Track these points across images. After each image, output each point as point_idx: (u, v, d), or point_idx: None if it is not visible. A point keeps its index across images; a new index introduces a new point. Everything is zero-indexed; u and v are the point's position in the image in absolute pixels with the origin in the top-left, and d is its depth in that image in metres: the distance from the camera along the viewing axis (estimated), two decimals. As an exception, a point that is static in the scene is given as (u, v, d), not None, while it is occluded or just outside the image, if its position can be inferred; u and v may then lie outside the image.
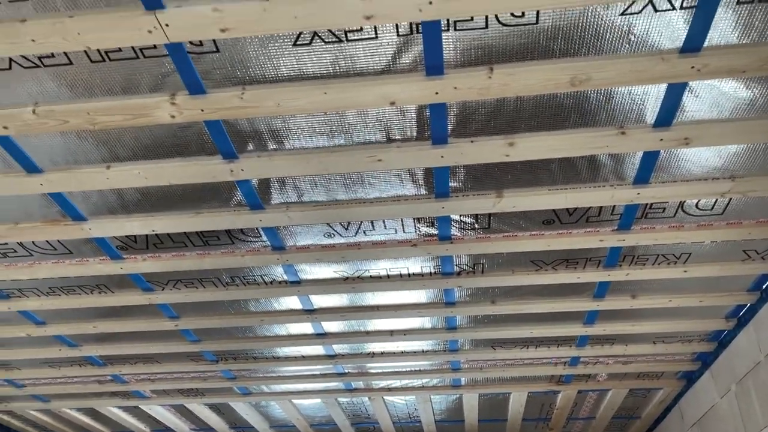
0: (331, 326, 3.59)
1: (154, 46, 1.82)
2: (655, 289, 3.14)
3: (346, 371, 4.22)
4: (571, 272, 2.96)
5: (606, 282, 3.06)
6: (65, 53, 1.84)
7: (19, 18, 1.72)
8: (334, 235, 2.73)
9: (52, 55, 1.85)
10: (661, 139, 2.11)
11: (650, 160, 2.25)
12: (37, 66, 1.89)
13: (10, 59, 1.87)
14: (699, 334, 3.60)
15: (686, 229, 2.61)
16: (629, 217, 2.56)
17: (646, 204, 2.51)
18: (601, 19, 1.76)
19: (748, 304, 3.22)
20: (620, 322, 3.46)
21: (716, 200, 2.46)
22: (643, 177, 2.33)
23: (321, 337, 3.67)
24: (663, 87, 1.97)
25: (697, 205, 2.50)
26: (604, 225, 2.63)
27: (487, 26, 1.78)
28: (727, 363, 3.53)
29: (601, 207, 2.53)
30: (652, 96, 2.01)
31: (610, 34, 1.79)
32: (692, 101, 2.02)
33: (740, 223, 2.58)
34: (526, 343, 3.78)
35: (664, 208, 2.54)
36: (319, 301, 3.32)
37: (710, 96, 2.01)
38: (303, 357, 3.99)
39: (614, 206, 2.52)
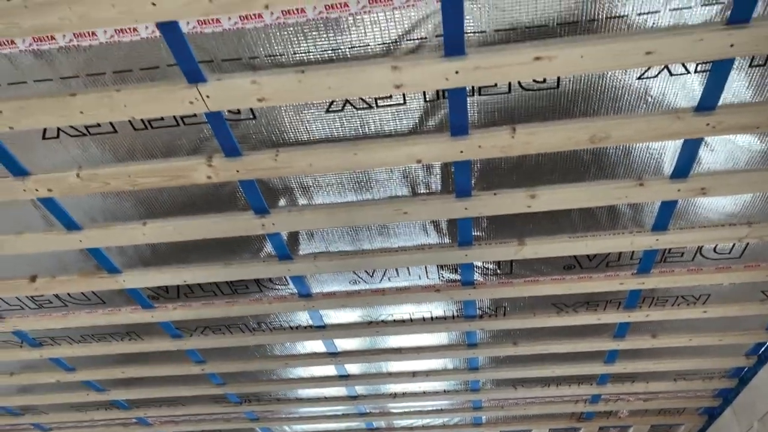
0: (354, 368, 3.64)
1: (194, 115, 1.93)
2: (675, 328, 3.18)
3: (368, 411, 4.25)
4: (592, 314, 3.01)
5: (626, 323, 3.10)
6: (111, 123, 1.95)
7: (70, 92, 1.83)
8: (359, 282, 2.80)
9: (98, 125, 1.96)
10: (679, 190, 2.18)
11: (668, 208, 2.32)
12: (84, 135, 2.00)
13: (59, 129, 1.98)
14: (720, 371, 3.62)
15: (705, 272, 2.67)
16: (648, 261, 2.62)
17: (665, 249, 2.57)
18: (619, 82, 1.85)
19: (768, 342, 3.25)
20: (641, 361, 3.49)
21: (734, 245, 2.52)
22: (661, 224, 2.39)
23: (344, 379, 3.72)
24: (680, 141, 2.04)
25: (715, 249, 2.56)
26: (623, 269, 2.69)
27: (510, 91, 1.87)
28: (749, 400, 3.54)
29: (620, 252, 2.59)
30: (670, 149, 2.09)
31: (628, 95, 1.88)
32: (708, 154, 2.09)
33: (758, 266, 2.63)
34: (547, 382, 3.80)
35: (683, 253, 2.59)
36: (343, 344, 3.37)
37: (725, 149, 2.08)
38: (326, 398, 4.03)
39: (633, 251, 2.58)
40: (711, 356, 3.42)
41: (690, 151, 2.06)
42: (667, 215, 2.35)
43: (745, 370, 3.55)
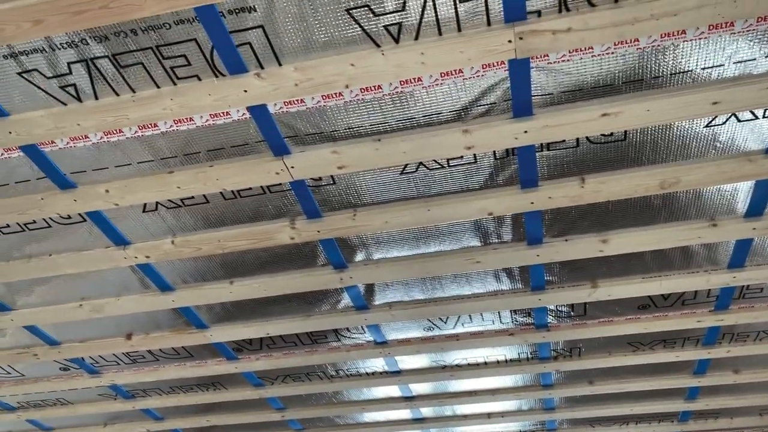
0: (429, 411, 3.68)
1: (280, 183, 2.07)
2: (758, 363, 3.10)
3: (443, 454, 4.26)
4: (669, 351, 2.97)
5: (706, 359, 3.04)
6: (203, 195, 2.12)
7: (168, 170, 2.00)
8: (433, 329, 2.87)
9: (192, 197, 2.13)
10: (754, 228, 2.18)
11: (744, 246, 2.31)
12: (179, 206, 2.17)
13: (157, 203, 2.16)
14: (809, 405, 3.49)
15: (786, 306, 2.62)
16: (726, 298, 2.59)
17: (743, 285, 2.55)
18: (687, 131, 1.89)
19: None
20: (723, 397, 3.40)
21: (815, 279, 2.48)
22: (738, 262, 2.38)
23: (419, 422, 3.76)
24: (752, 182, 2.06)
25: (795, 284, 2.52)
26: (700, 307, 2.67)
27: (578, 145, 1.94)
28: None
29: (696, 291, 2.58)
30: (743, 190, 2.10)
31: (696, 142, 1.92)
32: (782, 192, 2.09)
33: (842, 299, 2.57)
34: (626, 420, 3.74)
35: (762, 288, 2.56)
36: (418, 388, 3.43)
37: (800, 186, 2.08)
38: (400, 439, 4.07)
39: (710, 290, 2.57)
40: (798, 390, 3.31)
41: (763, 191, 2.07)
42: (743, 253, 2.34)
43: (837, 403, 3.40)
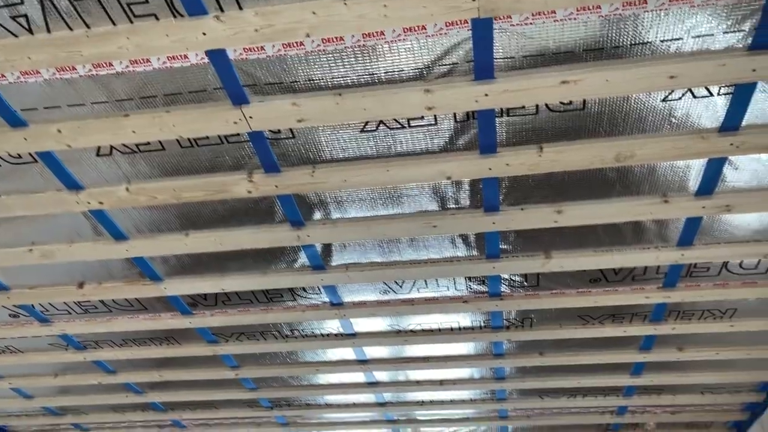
0: (383, 375, 3.73)
1: (237, 134, 2.05)
2: (701, 341, 3.20)
3: (396, 418, 4.33)
4: (618, 326, 3.05)
5: (652, 335, 3.13)
6: (159, 141, 2.08)
7: (123, 113, 1.96)
8: (389, 292, 2.89)
9: (148, 143, 2.09)
10: (704, 207, 2.23)
11: (693, 224, 2.36)
12: (134, 152, 2.13)
13: (111, 146, 2.11)
14: (747, 385, 3.62)
15: (731, 286, 2.70)
16: (674, 275, 2.66)
17: (691, 264, 2.61)
18: (644, 104, 1.92)
19: (797, 357, 3.24)
20: (667, 373, 3.51)
21: (759, 260, 2.55)
22: (686, 240, 2.44)
23: (372, 386, 3.81)
24: (704, 160, 2.10)
25: (741, 265, 2.59)
26: (649, 283, 2.74)
27: (537, 112, 1.95)
28: (778, 415, 3.54)
29: (646, 267, 2.64)
30: (695, 167, 2.14)
31: (653, 117, 1.95)
32: (732, 172, 2.14)
33: (785, 281, 2.66)
34: (574, 393, 3.84)
35: (709, 268, 2.63)
36: (372, 351, 3.47)
37: (750, 167, 2.13)
38: (354, 404, 4.12)
39: (659, 266, 2.63)
40: (738, 370, 3.43)
41: (714, 170, 2.11)
42: (692, 231, 2.40)
43: (774, 384, 3.54)
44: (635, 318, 3.02)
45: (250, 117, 1.93)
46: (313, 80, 1.86)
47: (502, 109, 1.95)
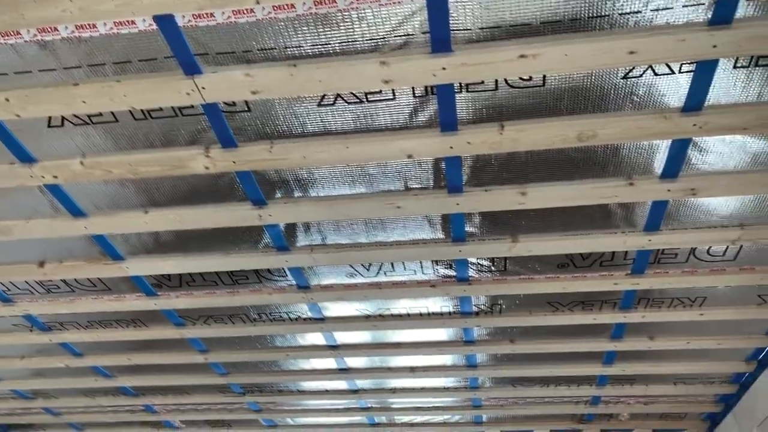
0: (354, 362, 3.70)
1: (192, 106, 2.00)
2: (672, 330, 3.18)
3: (369, 406, 4.30)
4: (587, 314, 3.02)
5: (623, 323, 3.11)
6: (112, 112, 2.03)
7: (72, 82, 1.90)
8: (356, 275, 2.85)
9: (100, 114, 2.04)
10: (669, 190, 2.20)
11: (659, 208, 2.33)
12: (87, 123, 2.08)
13: (63, 117, 2.06)
14: (720, 375, 3.61)
15: (699, 274, 2.67)
16: (642, 261, 2.64)
17: (659, 250, 2.59)
18: (605, 81, 1.88)
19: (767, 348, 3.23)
20: (639, 363, 3.49)
21: (727, 247, 2.53)
22: (653, 224, 2.41)
23: (344, 372, 3.77)
24: (669, 141, 2.06)
25: (708, 251, 2.57)
26: (617, 269, 2.71)
27: (497, 88, 1.91)
28: (749, 405, 3.53)
29: (614, 252, 2.61)
30: (659, 149, 2.11)
31: (614, 94, 1.91)
32: (697, 155, 2.11)
33: (753, 269, 2.63)
34: (546, 382, 3.82)
35: (677, 254, 2.61)
36: (343, 337, 3.43)
37: (715, 149, 2.10)
38: (327, 391, 4.09)
39: (627, 251, 2.60)
40: (710, 360, 3.41)
41: (678, 151, 2.08)
42: (658, 216, 2.37)
43: (746, 375, 3.53)
44: (605, 305, 2.99)
45: (203, 88, 1.88)
46: (266, 50, 1.81)
47: (461, 85, 1.91)
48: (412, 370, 3.73)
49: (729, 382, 3.65)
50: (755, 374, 3.42)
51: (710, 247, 2.55)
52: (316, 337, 3.44)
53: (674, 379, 3.70)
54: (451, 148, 2.08)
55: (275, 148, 2.11)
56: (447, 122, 2.01)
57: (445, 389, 4.00)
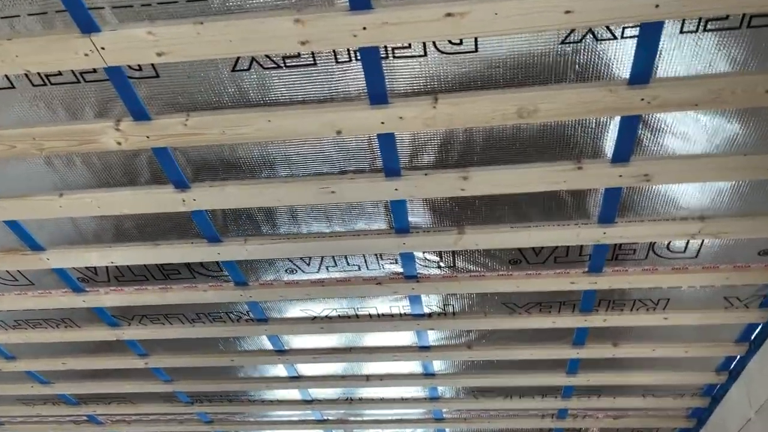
0: (305, 369, 3.49)
1: (94, 70, 1.82)
2: (637, 336, 3.01)
3: (326, 418, 4.08)
4: (546, 316, 2.84)
5: (584, 328, 2.93)
6: (7, 77, 1.85)
7: (-40, 41, 1.73)
8: (296, 271, 2.66)
9: (-5, 79, 1.87)
10: (620, 176, 2.04)
11: (613, 197, 2.17)
12: (-19, 90, 1.90)
13: (-45, 82, 1.88)
14: (690, 387, 3.42)
15: (660, 272, 2.50)
16: (599, 258, 2.46)
17: (616, 245, 2.42)
18: (543, 48, 1.72)
19: (738, 356, 3.05)
20: (604, 373, 3.31)
21: (688, 242, 2.36)
22: (607, 215, 2.24)
23: (295, 380, 3.56)
24: (618, 120, 1.90)
25: (668, 247, 2.40)
26: (574, 266, 2.54)
27: (425, 53, 1.75)
28: (720, 420, 3.34)
29: (568, 247, 2.44)
30: (608, 127, 1.94)
31: (554, 63, 1.75)
32: (649, 135, 1.95)
33: (717, 267, 2.47)
34: (509, 393, 3.62)
35: (635, 250, 2.44)
36: (291, 341, 3.23)
37: (668, 129, 1.94)
38: (279, 401, 3.87)
39: (582, 246, 2.43)
40: (679, 370, 3.23)
41: (628, 130, 1.92)
42: (612, 205, 2.20)
43: (717, 387, 3.34)
44: (564, 307, 2.82)
45: (102, 48, 1.70)
46: (167, 3, 1.64)
47: (387, 50, 1.75)
48: (367, 379, 3.52)
49: (700, 395, 3.46)
50: (726, 386, 3.24)
51: (670, 242, 2.38)
52: (262, 341, 3.23)
53: (643, 391, 3.51)
54: (383, 123, 1.91)
55: (191, 121, 1.94)
56: (376, 93, 1.84)
57: (404, 400, 3.78)
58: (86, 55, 1.72)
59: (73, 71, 1.83)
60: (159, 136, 1.98)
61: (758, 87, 1.70)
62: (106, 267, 2.66)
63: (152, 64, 1.80)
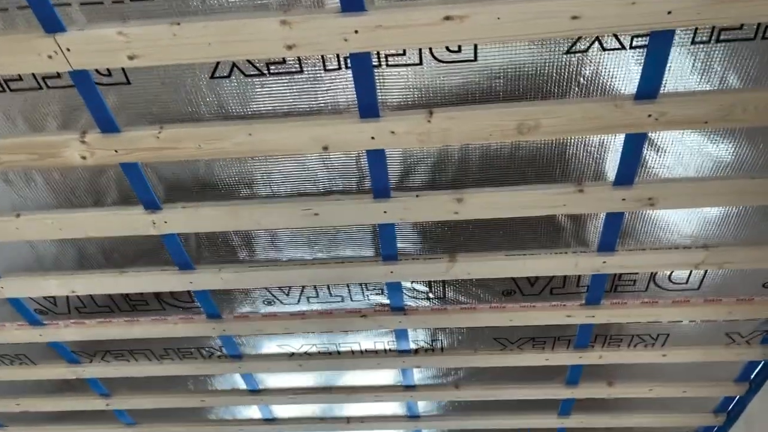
0: (281, 410, 3.26)
1: (58, 75, 1.67)
2: (633, 375, 2.85)
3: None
4: (539, 353, 2.68)
5: (578, 366, 2.77)
6: (-40, 80, 1.69)
7: None
8: (274, 303, 2.48)
9: (-53, 83, 1.70)
10: (623, 199, 1.92)
11: (614, 223, 2.05)
12: (-69, 94, 1.72)
13: None
14: (688, 430, 3.26)
15: (661, 305, 2.37)
16: (597, 289, 2.33)
17: (615, 275, 2.29)
18: (547, 58, 1.61)
19: (737, 397, 2.91)
20: (599, 414, 3.14)
21: (690, 272, 2.24)
22: (607, 243, 2.11)
23: (269, 422, 3.32)
24: (622, 140, 1.79)
25: (670, 278, 2.28)
26: (570, 298, 2.39)
27: (421, 62, 1.63)
28: (719, 465, 3.17)
29: (565, 277, 2.30)
30: (611, 146, 1.83)
31: (557, 75, 1.64)
32: (654, 155, 1.84)
33: (719, 300, 2.34)
34: (498, 436, 3.42)
35: (635, 281, 2.31)
36: (266, 380, 3.01)
37: (673, 149, 1.83)
38: (252, 447, 3.61)
39: (579, 277, 2.30)
40: (676, 412, 3.08)
41: (633, 150, 1.81)
42: (613, 232, 2.08)
43: (715, 429, 3.19)
44: (558, 343, 2.66)
45: (68, 49, 1.56)
46: (142, 1, 1.51)
47: (379, 57, 1.62)
48: (347, 421, 3.30)
49: (697, 439, 3.31)
50: (724, 429, 3.09)
51: (672, 273, 2.26)
52: (236, 380, 3.01)
53: (637, 435, 3.34)
54: (373, 138, 1.77)
55: (164, 134, 1.78)
56: (366, 105, 1.71)
57: (386, 445, 3.56)
58: (50, 57, 1.57)
59: (34, 75, 1.67)
60: (128, 150, 1.82)
61: (772, 103, 1.61)
62: (67, 297, 2.45)
63: (123, 69, 1.65)
